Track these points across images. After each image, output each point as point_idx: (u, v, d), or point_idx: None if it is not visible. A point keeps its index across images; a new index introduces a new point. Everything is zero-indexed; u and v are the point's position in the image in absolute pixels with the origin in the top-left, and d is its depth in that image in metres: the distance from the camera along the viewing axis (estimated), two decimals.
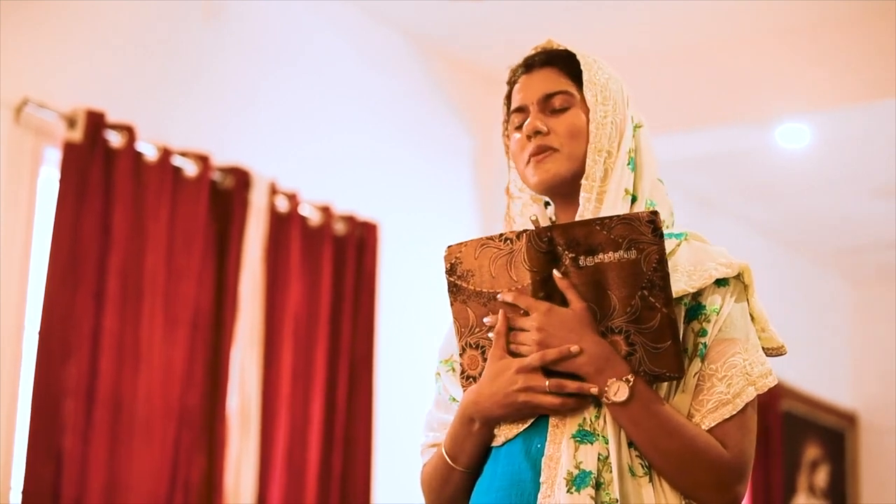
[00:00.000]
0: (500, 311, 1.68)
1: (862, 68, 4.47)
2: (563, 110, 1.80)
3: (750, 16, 4.56)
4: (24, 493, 3.27)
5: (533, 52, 1.88)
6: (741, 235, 6.25)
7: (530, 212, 1.87)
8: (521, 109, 1.83)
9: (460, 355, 1.76)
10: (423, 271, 4.66)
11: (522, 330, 1.67)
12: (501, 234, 1.68)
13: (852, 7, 4.43)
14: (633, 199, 1.78)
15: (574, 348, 1.63)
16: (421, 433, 1.89)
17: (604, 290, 1.64)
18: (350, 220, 4.26)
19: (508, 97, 1.88)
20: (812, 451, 6.83)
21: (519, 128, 1.83)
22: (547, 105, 1.81)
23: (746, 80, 4.68)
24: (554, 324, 1.65)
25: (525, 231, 1.66)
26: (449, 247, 1.71)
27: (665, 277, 1.61)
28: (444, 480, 1.79)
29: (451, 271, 1.72)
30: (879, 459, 7.00)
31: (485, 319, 1.70)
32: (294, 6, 4.34)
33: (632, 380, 1.63)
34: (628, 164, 1.79)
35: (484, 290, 1.70)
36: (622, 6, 4.50)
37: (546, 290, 1.66)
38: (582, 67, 1.81)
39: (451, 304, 1.73)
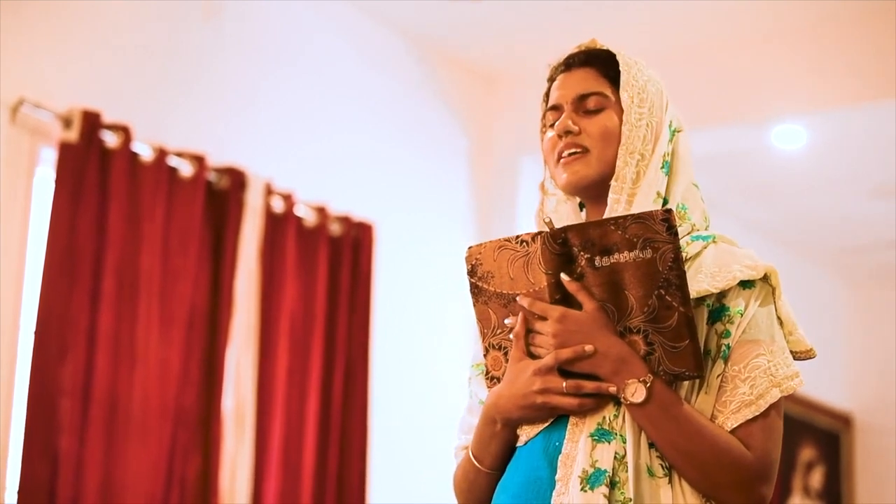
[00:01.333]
0: (520, 314, 1.69)
1: (858, 69, 4.47)
2: (596, 111, 1.80)
3: (748, 16, 4.56)
4: (19, 492, 3.28)
5: (575, 50, 1.86)
6: (738, 235, 6.19)
7: (564, 209, 1.87)
8: (556, 108, 1.83)
9: (484, 356, 1.76)
10: (419, 272, 4.67)
11: (541, 333, 1.68)
12: (518, 236, 1.68)
13: (850, 8, 4.43)
14: (665, 203, 1.77)
15: (588, 348, 1.64)
16: (454, 437, 1.89)
17: (621, 290, 1.64)
18: (346, 220, 4.26)
19: (547, 94, 1.87)
20: (807, 453, 6.83)
21: (552, 126, 1.83)
22: (581, 105, 1.80)
23: (743, 80, 4.68)
24: (569, 327, 1.65)
25: (540, 233, 1.66)
26: (469, 248, 1.72)
27: (681, 276, 1.61)
28: (472, 482, 1.79)
29: (472, 273, 1.72)
30: (875, 461, 6.99)
31: (506, 321, 1.71)
32: (292, 6, 4.34)
33: (649, 381, 1.62)
34: (662, 167, 1.78)
35: (504, 291, 1.70)
36: (622, 6, 4.50)
37: (563, 292, 1.66)
38: (621, 68, 1.80)
39: (474, 305, 1.74)
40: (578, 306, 1.66)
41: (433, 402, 4.53)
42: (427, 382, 4.57)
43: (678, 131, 1.82)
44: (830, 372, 6.99)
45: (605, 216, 1.76)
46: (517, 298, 1.68)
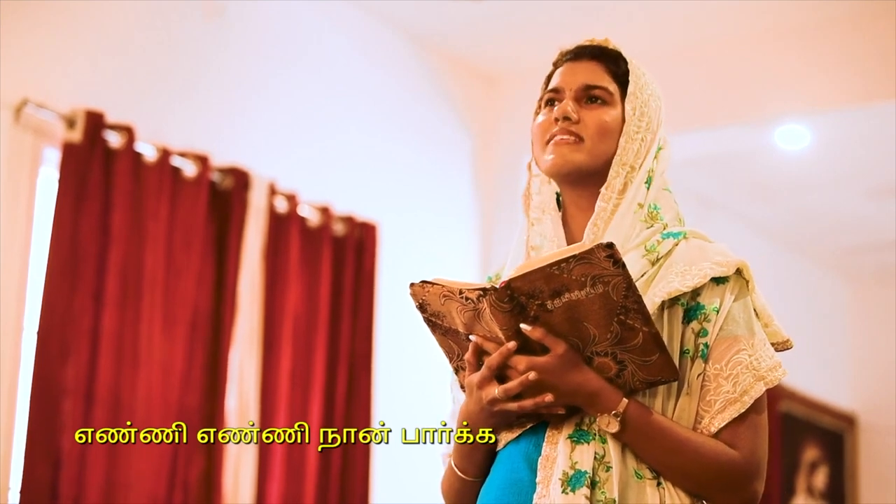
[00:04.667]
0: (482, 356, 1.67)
1: (861, 69, 4.47)
2: (598, 105, 1.79)
3: (750, 16, 4.56)
4: (22, 492, 3.28)
5: (587, 42, 1.86)
6: (740, 235, 6.25)
7: (547, 190, 1.85)
8: (557, 91, 1.82)
9: (455, 374, 1.76)
10: (423, 271, 4.65)
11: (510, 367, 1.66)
12: (460, 291, 1.63)
13: (852, 8, 4.43)
14: (639, 207, 1.78)
15: (548, 398, 1.62)
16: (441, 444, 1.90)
17: (580, 322, 1.61)
18: (349, 220, 4.26)
19: (549, 78, 1.86)
20: (811, 453, 6.83)
21: (549, 106, 1.82)
22: (584, 95, 1.80)
23: (746, 80, 4.68)
24: (538, 377, 1.63)
25: (484, 293, 1.61)
26: (412, 285, 1.68)
27: (638, 300, 1.59)
28: (458, 491, 1.80)
29: (422, 309, 1.70)
30: (878, 461, 6.99)
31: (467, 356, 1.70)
32: (293, 6, 4.34)
33: (620, 413, 1.63)
34: (646, 182, 1.78)
35: (460, 330, 1.68)
36: (623, 6, 4.50)
37: (522, 339, 1.63)
38: (630, 77, 1.81)
39: (433, 334, 1.73)
40: (539, 344, 1.63)
41: (436, 402, 4.51)
42: (430, 383, 4.56)
43: (661, 149, 1.83)
44: (834, 372, 6.99)
45: (590, 222, 1.76)
46: (472, 337, 1.67)
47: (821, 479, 6.89)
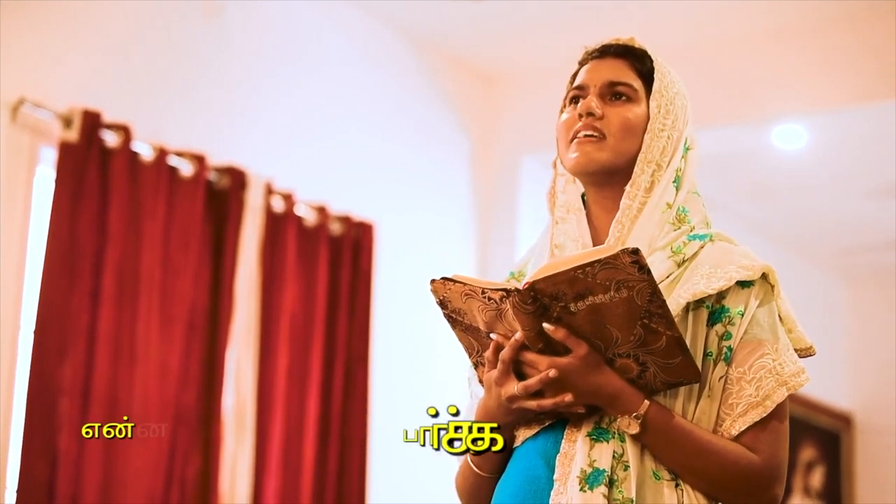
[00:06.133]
0: (503, 354, 1.66)
1: (860, 69, 4.47)
2: (622, 102, 1.79)
3: (748, 16, 4.56)
4: (18, 491, 3.28)
5: (612, 41, 1.85)
6: (739, 235, 6.20)
7: (573, 189, 1.84)
8: (582, 88, 1.81)
9: (475, 368, 1.76)
10: (420, 271, 4.66)
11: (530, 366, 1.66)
12: (483, 290, 1.62)
13: (850, 8, 4.43)
14: (667, 207, 1.77)
15: (567, 398, 1.62)
16: None
17: (603, 325, 1.60)
18: (346, 220, 4.26)
19: (574, 77, 1.85)
20: (807, 453, 6.83)
21: (574, 104, 1.81)
22: (608, 91, 1.79)
23: (744, 80, 4.68)
24: (560, 378, 1.63)
25: (508, 294, 1.60)
26: (433, 282, 1.67)
27: (662, 305, 1.58)
28: (472, 485, 1.80)
29: (442, 305, 1.70)
30: (875, 461, 6.99)
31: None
32: (293, 6, 4.34)
33: (641, 415, 1.62)
34: (674, 181, 1.78)
35: (480, 328, 1.68)
36: (622, 6, 4.50)
37: (544, 339, 1.63)
38: (655, 75, 1.80)
39: (453, 330, 1.72)
40: (562, 345, 1.63)
41: (433, 401, 4.51)
42: (427, 382, 4.57)
43: (690, 149, 1.82)
44: (831, 372, 6.98)
45: (615, 220, 1.75)
46: (492, 334, 1.66)
47: (817, 479, 6.90)
